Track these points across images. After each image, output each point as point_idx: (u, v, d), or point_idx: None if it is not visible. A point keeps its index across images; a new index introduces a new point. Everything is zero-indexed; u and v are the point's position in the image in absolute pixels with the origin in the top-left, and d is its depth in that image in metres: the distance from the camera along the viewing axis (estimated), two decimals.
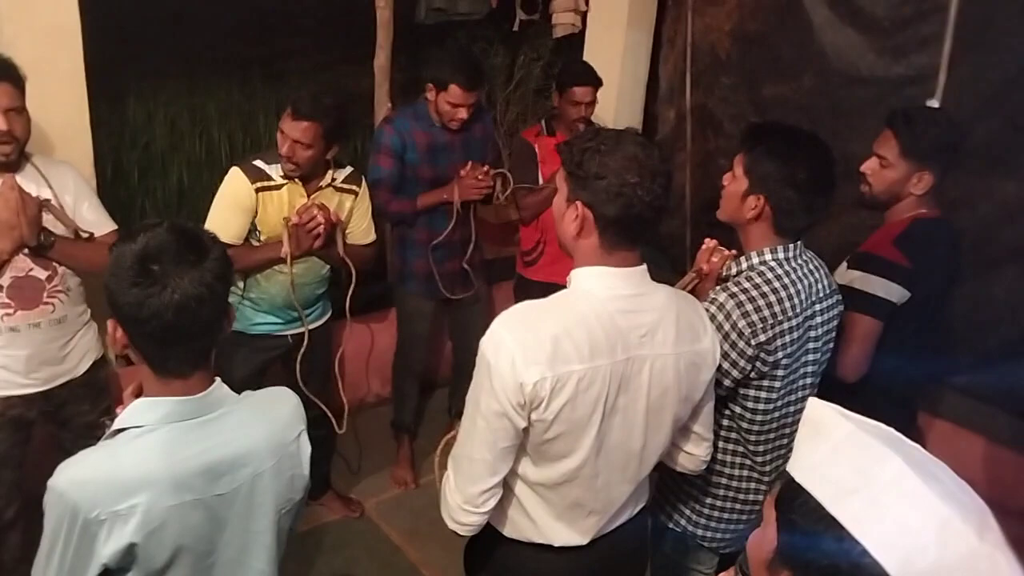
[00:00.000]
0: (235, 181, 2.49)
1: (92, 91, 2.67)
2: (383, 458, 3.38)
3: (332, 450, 3.32)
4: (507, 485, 1.55)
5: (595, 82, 3.15)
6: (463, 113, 2.86)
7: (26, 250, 2.15)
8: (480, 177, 2.88)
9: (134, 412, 1.28)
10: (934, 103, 2.87)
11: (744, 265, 1.79)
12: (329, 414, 2.78)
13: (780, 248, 1.76)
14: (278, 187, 2.51)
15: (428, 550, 2.95)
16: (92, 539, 1.22)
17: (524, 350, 1.39)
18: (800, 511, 0.83)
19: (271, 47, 4.52)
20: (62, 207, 2.24)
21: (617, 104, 3.87)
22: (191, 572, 1.33)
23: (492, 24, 4.06)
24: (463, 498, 1.51)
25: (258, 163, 2.52)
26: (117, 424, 1.28)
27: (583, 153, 1.44)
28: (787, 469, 0.88)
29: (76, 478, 1.23)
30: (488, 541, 1.63)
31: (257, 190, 2.49)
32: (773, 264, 1.76)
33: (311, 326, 2.72)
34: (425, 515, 3.05)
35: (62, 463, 1.25)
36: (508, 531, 1.62)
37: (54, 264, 2.22)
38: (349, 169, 2.68)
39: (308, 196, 2.55)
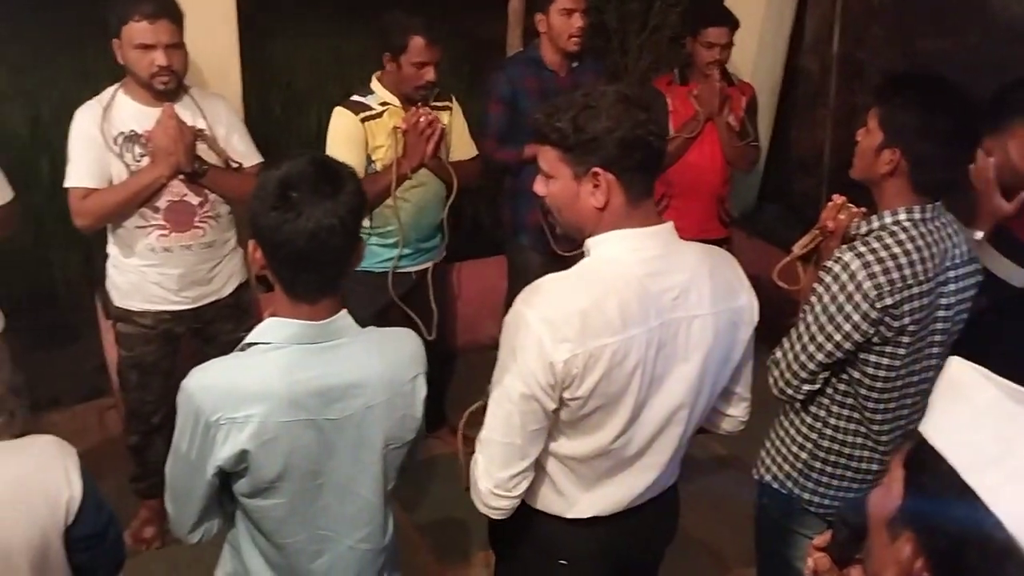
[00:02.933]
0: (341, 118, 2.62)
1: (242, 29, 2.80)
2: None
3: (446, 386, 3.43)
4: (536, 459, 1.50)
5: (730, 22, 3.01)
6: (579, 20, 2.82)
7: (181, 176, 2.30)
8: None
9: (264, 329, 1.36)
10: None
11: (875, 224, 1.69)
12: (419, 321, 2.81)
13: (916, 208, 1.66)
14: (379, 115, 2.64)
15: None
16: (212, 440, 1.32)
17: (551, 328, 1.32)
18: (931, 474, 0.79)
19: None
20: (215, 137, 2.38)
21: (757, 54, 3.71)
22: (299, 490, 1.40)
23: None
24: (493, 483, 1.46)
25: (355, 98, 2.65)
26: (248, 339, 1.37)
27: (575, 119, 1.35)
28: (920, 428, 0.85)
29: (203, 383, 1.33)
30: (513, 513, 1.56)
31: (362, 120, 2.61)
32: (907, 224, 1.65)
33: (434, 261, 2.86)
34: None
35: (195, 367, 1.36)
36: (534, 503, 1.57)
37: (206, 191, 2.37)
38: (436, 89, 2.77)
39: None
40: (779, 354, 1.78)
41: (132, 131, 2.28)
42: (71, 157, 2.28)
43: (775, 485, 1.92)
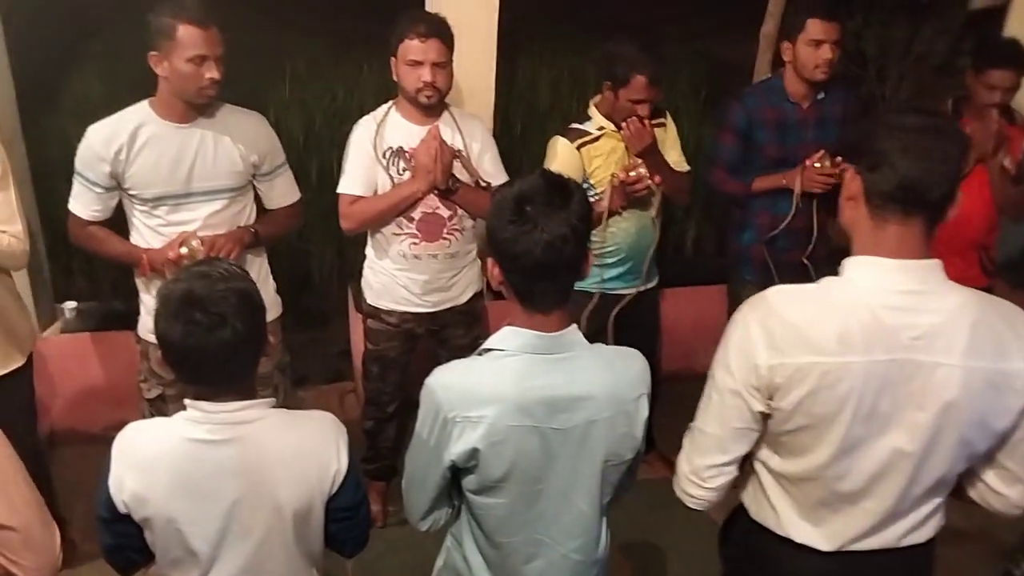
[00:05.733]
0: (558, 146, 2.71)
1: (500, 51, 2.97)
2: None
3: (655, 411, 3.42)
4: (753, 468, 1.53)
5: (1020, 66, 2.74)
6: (828, 51, 2.69)
7: (436, 191, 2.49)
8: (829, 170, 2.71)
9: (500, 337, 1.45)
10: None
11: None
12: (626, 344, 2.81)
13: None
14: (596, 139, 2.71)
15: None
16: (448, 435, 1.42)
17: (765, 332, 1.36)
18: None
19: (650, 12, 4.61)
20: (469, 158, 2.55)
21: None
22: (520, 492, 1.47)
23: None
24: (690, 469, 1.52)
25: (573, 125, 2.74)
26: (486, 344, 1.46)
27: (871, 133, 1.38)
28: None
29: (444, 381, 1.44)
30: (737, 519, 1.61)
31: (579, 147, 2.68)
32: None
33: (647, 285, 2.88)
34: None
35: (439, 366, 1.48)
36: (754, 513, 1.58)
37: (456, 206, 2.54)
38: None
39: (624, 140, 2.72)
40: None
41: (399, 147, 2.50)
42: (346, 166, 2.54)
43: None
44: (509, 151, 3.98)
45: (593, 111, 2.75)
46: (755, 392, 1.40)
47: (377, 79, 3.92)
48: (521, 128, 4.09)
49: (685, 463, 1.55)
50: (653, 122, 2.76)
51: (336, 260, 4.00)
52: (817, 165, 2.71)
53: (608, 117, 2.70)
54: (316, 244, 3.97)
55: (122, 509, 1.44)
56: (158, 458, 1.43)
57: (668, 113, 2.87)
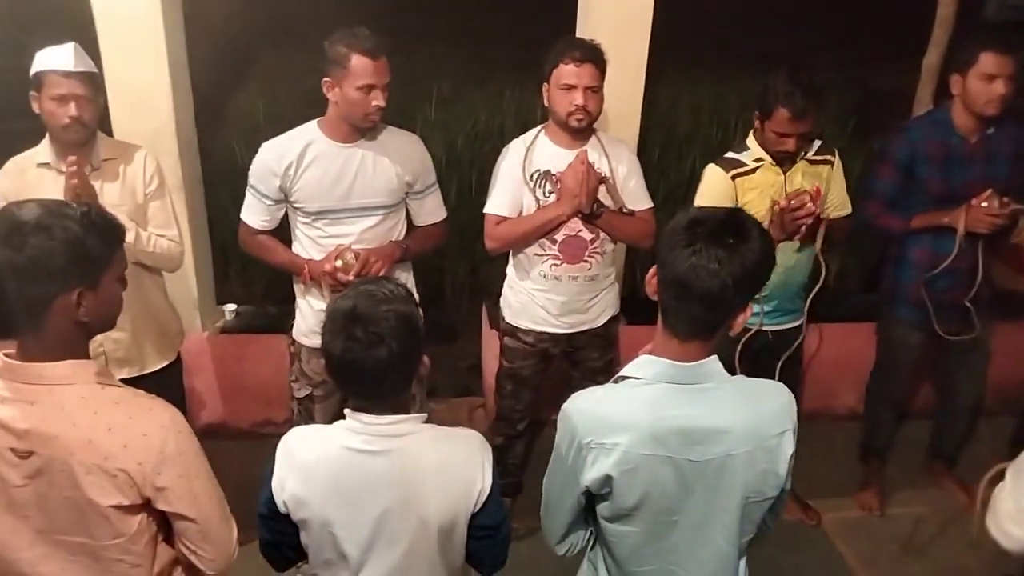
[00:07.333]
0: (711, 175, 2.65)
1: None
2: (847, 475, 3.24)
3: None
4: None
5: None
6: (1001, 86, 2.56)
7: (580, 215, 2.51)
8: (996, 211, 2.55)
9: (636, 365, 1.45)
10: None
11: None
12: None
13: None
14: (752, 171, 2.62)
15: None
16: (583, 460, 1.43)
17: None
18: None
19: (800, 39, 4.49)
20: (614, 184, 2.56)
21: None
22: (654, 522, 1.46)
23: None
24: (1017, 509, 1.45)
25: (729, 155, 2.67)
26: (623, 372, 1.46)
27: None
28: None
29: (580, 407, 1.45)
30: None
31: (733, 177, 2.61)
32: None
33: (795, 323, 2.79)
34: (886, 546, 2.89)
35: (576, 392, 1.49)
36: None
37: (598, 230, 2.55)
38: (819, 143, 2.69)
39: (783, 174, 2.62)
40: None
41: (547, 170, 2.54)
42: (494, 187, 2.60)
43: None
44: (645, 177, 3.96)
45: (751, 141, 2.68)
46: None
47: (518, 104, 3.99)
48: (659, 154, 4.06)
49: (1010, 502, 1.50)
50: (818, 158, 2.70)
51: (469, 277, 4.09)
52: (984, 205, 2.56)
53: (762, 148, 2.65)
54: (450, 260, 4.07)
55: (282, 509, 1.52)
56: (318, 464, 1.50)
57: (836, 152, 2.76)
